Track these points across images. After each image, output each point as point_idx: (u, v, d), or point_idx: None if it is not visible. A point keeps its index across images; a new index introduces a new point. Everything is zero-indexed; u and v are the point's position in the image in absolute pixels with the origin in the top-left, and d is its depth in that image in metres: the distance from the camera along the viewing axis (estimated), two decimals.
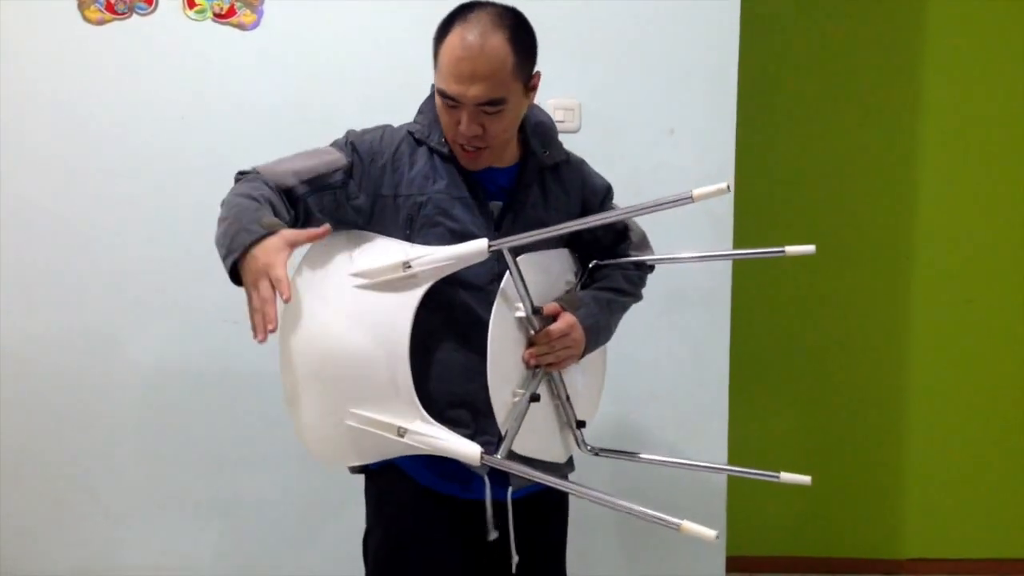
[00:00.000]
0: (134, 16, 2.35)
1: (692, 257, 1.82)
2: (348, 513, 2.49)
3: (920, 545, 3.08)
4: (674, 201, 1.32)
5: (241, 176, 1.64)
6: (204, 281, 2.41)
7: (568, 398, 1.67)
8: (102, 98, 2.37)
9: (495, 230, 1.58)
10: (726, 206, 2.40)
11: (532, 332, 1.57)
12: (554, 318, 1.58)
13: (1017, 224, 2.96)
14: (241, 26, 2.36)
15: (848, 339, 3.02)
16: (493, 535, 1.59)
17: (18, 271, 2.41)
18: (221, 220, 1.52)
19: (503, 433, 1.53)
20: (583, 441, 1.74)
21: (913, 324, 3.00)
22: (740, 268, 2.49)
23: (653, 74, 2.41)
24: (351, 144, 1.61)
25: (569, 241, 1.74)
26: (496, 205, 1.61)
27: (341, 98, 2.38)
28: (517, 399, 1.55)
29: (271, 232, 1.44)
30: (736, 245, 2.44)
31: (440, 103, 1.54)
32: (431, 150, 1.60)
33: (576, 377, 1.69)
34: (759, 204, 2.81)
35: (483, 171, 1.61)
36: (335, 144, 1.63)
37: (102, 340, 2.43)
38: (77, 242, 2.41)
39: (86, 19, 2.35)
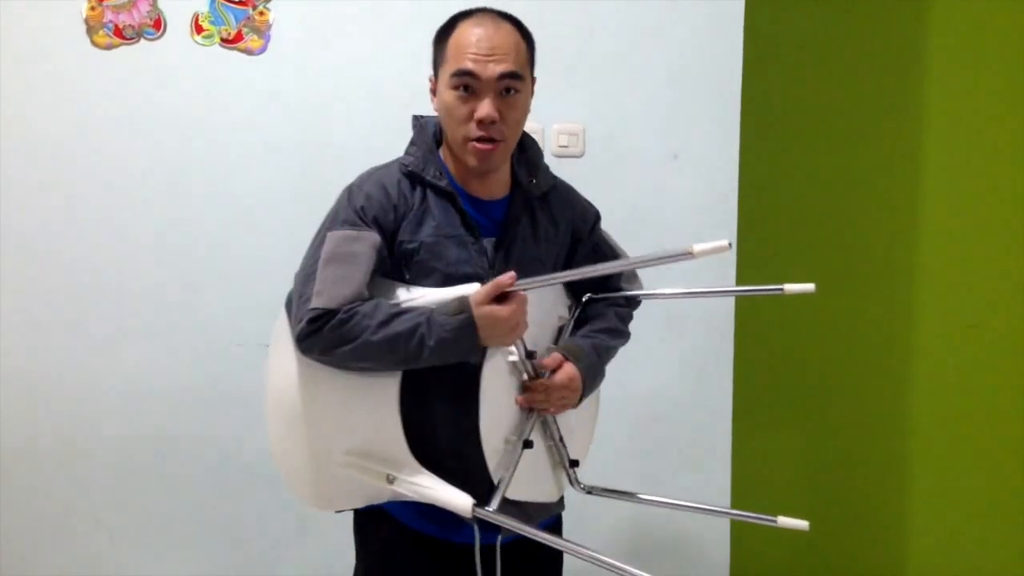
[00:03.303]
0: (142, 41, 2.37)
1: (688, 293, 1.80)
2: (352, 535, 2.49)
3: (924, 567, 3.06)
4: (674, 256, 1.30)
5: (319, 322, 1.45)
6: (211, 303, 2.42)
7: (561, 438, 1.65)
8: (109, 122, 2.39)
9: (490, 268, 1.54)
10: (729, 230, 2.41)
11: (526, 376, 1.56)
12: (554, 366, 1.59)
13: (1023, 247, 2.96)
14: (248, 51, 2.38)
15: (851, 363, 3.01)
16: None
17: (22, 291, 2.42)
18: (393, 353, 1.44)
19: (495, 481, 1.49)
20: (576, 480, 1.70)
21: (917, 348, 2.99)
22: None
23: (657, 99, 2.43)
24: (366, 218, 1.50)
25: (564, 266, 1.72)
26: (490, 241, 1.56)
27: (347, 124, 2.39)
28: (509, 445, 1.53)
29: (463, 306, 1.44)
30: (739, 269, 2.45)
31: (452, 98, 1.50)
32: (425, 186, 1.55)
33: (570, 417, 1.66)
34: (762, 228, 2.82)
35: (476, 205, 1.57)
36: (346, 222, 1.51)
37: (106, 356, 2.44)
38: (81, 264, 2.41)
39: (94, 44, 2.37)
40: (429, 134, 1.60)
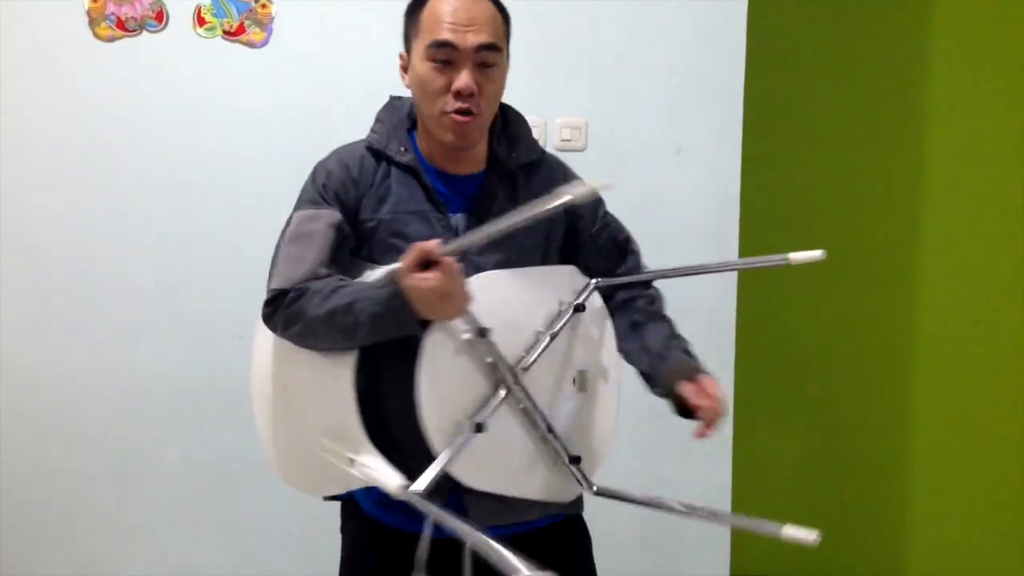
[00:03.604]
0: (144, 33, 2.37)
1: (696, 268, 1.70)
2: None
3: (925, 566, 3.06)
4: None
5: (275, 303, 1.44)
6: (211, 295, 2.42)
7: (551, 429, 1.48)
8: (111, 114, 2.39)
9: None
10: (731, 225, 2.41)
11: (489, 360, 1.43)
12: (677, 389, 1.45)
13: None
14: (251, 44, 2.38)
15: (853, 360, 3.01)
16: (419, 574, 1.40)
17: (25, 284, 2.42)
18: (334, 329, 1.38)
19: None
20: (585, 479, 1.54)
21: (919, 345, 2.99)
22: (744, 287, 2.49)
23: (660, 93, 2.42)
24: (327, 196, 1.48)
25: (564, 258, 1.60)
26: (459, 218, 1.49)
27: (349, 117, 2.37)
28: (461, 428, 1.41)
29: (392, 278, 1.34)
30: None
31: (427, 70, 1.43)
32: (389, 162, 1.50)
33: (564, 408, 1.53)
34: (764, 223, 2.82)
35: (447, 180, 1.51)
36: (309, 201, 1.50)
37: (106, 353, 2.44)
38: (85, 256, 2.41)
39: (97, 36, 2.36)
40: (402, 113, 1.55)
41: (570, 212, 1.55)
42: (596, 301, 1.59)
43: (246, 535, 2.49)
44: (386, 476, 1.36)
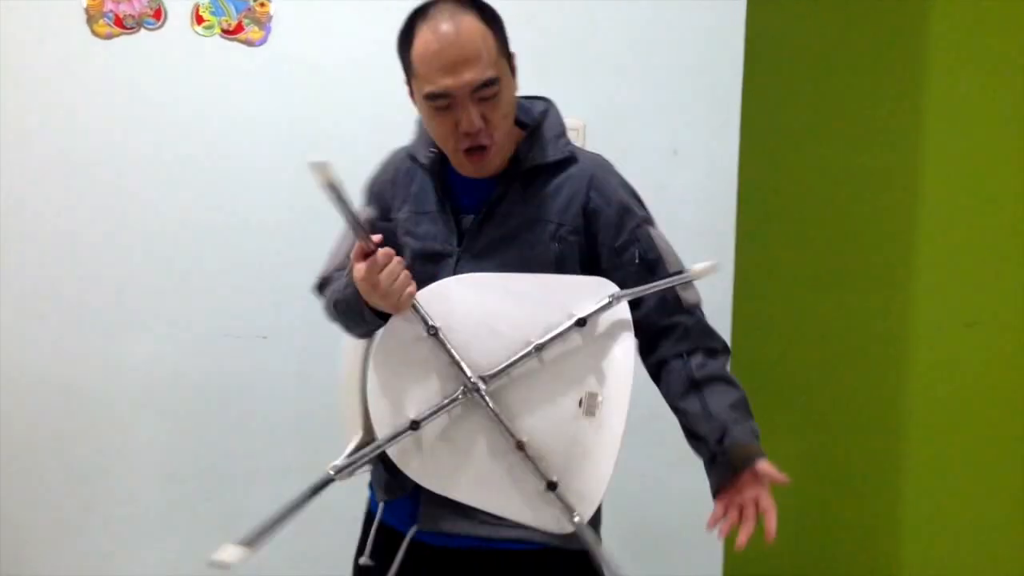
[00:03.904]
0: (142, 31, 2.37)
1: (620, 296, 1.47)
2: (354, 528, 2.49)
3: (918, 568, 3.07)
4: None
5: (317, 291, 1.64)
6: (208, 294, 2.42)
7: (520, 445, 1.39)
8: (109, 112, 2.39)
9: (458, 245, 1.47)
10: (728, 226, 2.41)
11: (452, 357, 1.40)
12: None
13: (1020, 246, 2.96)
14: (249, 42, 2.37)
15: (847, 362, 3.01)
16: (364, 559, 1.52)
17: (18, 281, 2.42)
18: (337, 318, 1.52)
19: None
20: (567, 508, 1.40)
21: (913, 347, 2.99)
22: (740, 290, 2.49)
23: (657, 95, 2.42)
24: (370, 194, 1.59)
25: (590, 269, 1.49)
26: (469, 219, 1.48)
27: (347, 115, 2.39)
28: (407, 424, 1.41)
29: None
30: (737, 265, 2.45)
31: (430, 111, 1.41)
32: (418, 165, 1.53)
33: (560, 429, 1.41)
34: (761, 225, 2.82)
35: (466, 183, 1.49)
36: (364, 198, 1.61)
37: (102, 352, 2.44)
38: (80, 254, 2.42)
39: (95, 33, 2.36)
40: None
41: (591, 218, 1.48)
42: (616, 318, 1.44)
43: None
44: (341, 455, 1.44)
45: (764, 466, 1.34)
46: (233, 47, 2.37)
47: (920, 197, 2.95)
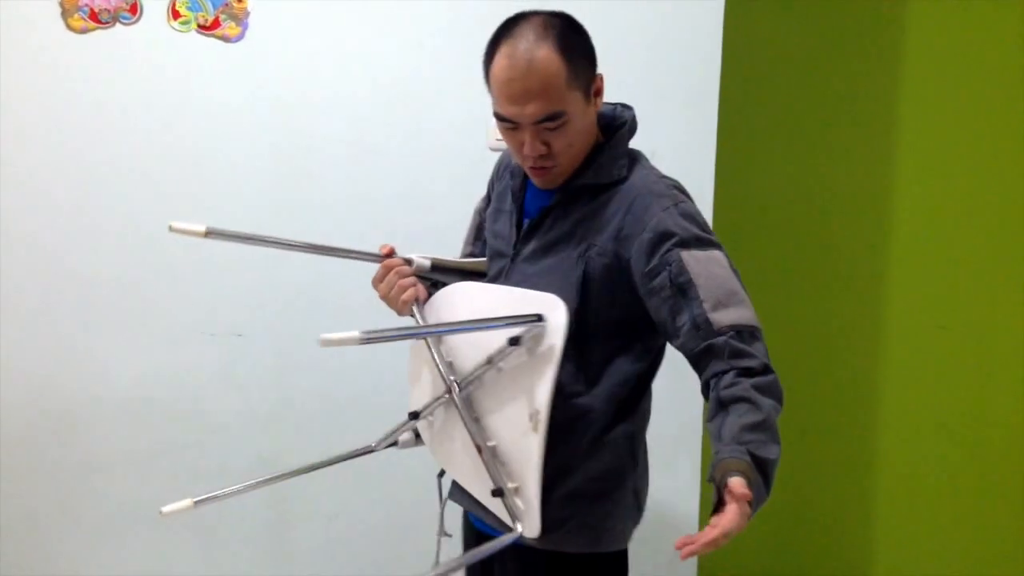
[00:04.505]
0: (118, 25, 2.35)
1: (449, 330, 1.58)
2: (333, 526, 2.48)
3: (890, 568, 3.09)
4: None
5: None
6: (188, 294, 2.41)
7: (481, 450, 1.44)
8: (84, 107, 2.37)
9: (512, 249, 1.57)
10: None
11: (439, 364, 1.52)
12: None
13: (994, 250, 2.98)
14: (225, 38, 2.36)
15: (820, 363, 3.03)
16: (444, 534, 1.68)
17: (1, 284, 2.40)
18: None
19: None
20: (514, 517, 1.42)
21: (886, 349, 3.02)
22: None
23: (633, 95, 2.41)
24: (489, 184, 1.74)
25: (625, 293, 1.46)
26: (527, 223, 1.56)
27: (324, 112, 2.38)
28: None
29: None
30: None
31: (501, 128, 1.47)
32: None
33: (519, 442, 1.41)
34: (737, 226, 2.84)
35: (534, 187, 1.56)
36: None
37: (75, 350, 2.42)
38: (58, 251, 2.40)
39: (69, 27, 2.34)
40: None
41: (623, 243, 1.44)
42: (548, 342, 1.38)
43: (223, 538, 2.48)
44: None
45: (732, 481, 1.25)
46: (210, 43, 2.36)
47: (894, 200, 2.98)
